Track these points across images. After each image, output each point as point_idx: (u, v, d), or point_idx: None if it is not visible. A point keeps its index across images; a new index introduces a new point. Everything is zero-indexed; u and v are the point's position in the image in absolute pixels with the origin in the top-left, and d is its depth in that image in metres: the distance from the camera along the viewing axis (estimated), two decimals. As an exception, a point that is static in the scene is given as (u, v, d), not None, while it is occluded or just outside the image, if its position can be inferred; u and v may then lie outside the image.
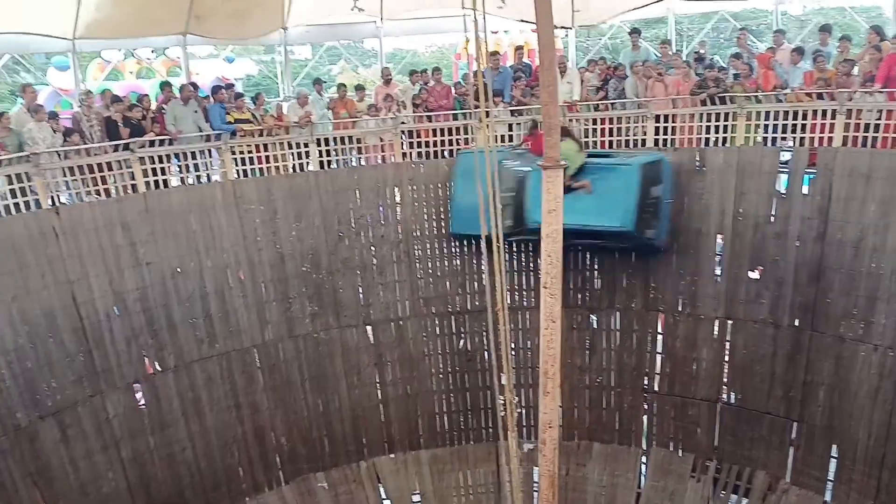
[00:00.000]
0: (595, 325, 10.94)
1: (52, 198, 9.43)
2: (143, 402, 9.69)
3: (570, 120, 10.67)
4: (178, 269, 9.92)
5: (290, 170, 10.69)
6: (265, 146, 10.51)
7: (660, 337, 10.67)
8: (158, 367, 9.76)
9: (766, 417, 10.03)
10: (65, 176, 9.39)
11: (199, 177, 10.44)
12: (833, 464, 9.60)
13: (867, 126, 9.23)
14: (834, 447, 9.54)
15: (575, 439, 10.94)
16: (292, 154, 10.73)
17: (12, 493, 8.23)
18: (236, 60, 19.70)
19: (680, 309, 10.48)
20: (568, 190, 9.08)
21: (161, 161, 9.98)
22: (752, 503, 10.07)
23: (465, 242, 10.94)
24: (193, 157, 10.25)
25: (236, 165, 10.41)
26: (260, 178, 10.49)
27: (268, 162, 10.51)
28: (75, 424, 8.98)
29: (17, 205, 8.86)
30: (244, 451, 10.29)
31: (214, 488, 10.03)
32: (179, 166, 10.37)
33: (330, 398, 10.83)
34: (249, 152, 10.43)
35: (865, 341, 9.07)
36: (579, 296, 10.87)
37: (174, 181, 10.40)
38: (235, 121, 10.42)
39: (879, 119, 9.15)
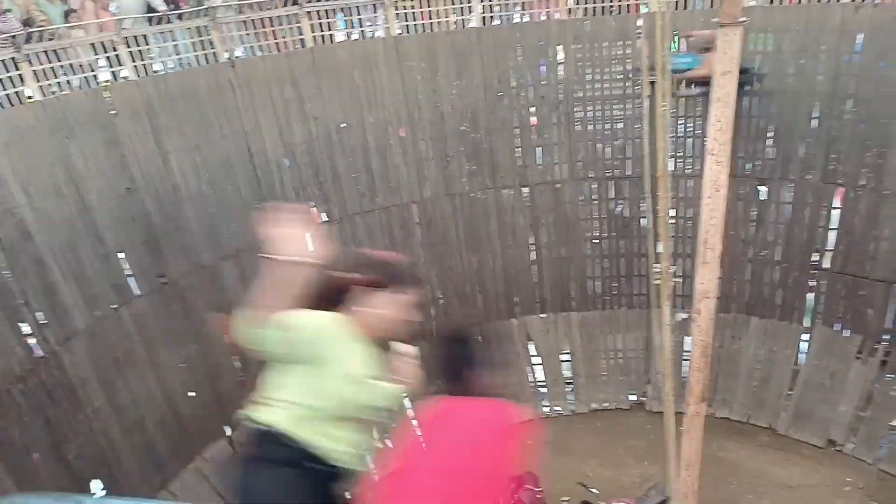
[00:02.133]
0: (764, 197, 12.22)
1: (229, 52, 12.01)
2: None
3: None
4: (343, 125, 12.30)
5: (452, 26, 12.63)
6: (428, 1, 12.48)
7: (836, 212, 11.97)
8: (325, 218, 12.37)
9: (949, 301, 11.20)
10: (239, 30, 11.88)
11: (363, 32, 12.66)
12: None
13: None
14: None
15: (732, 312, 12.65)
16: (455, 10, 12.64)
17: (199, 323, 10.69)
18: None
19: (863, 183, 11.60)
20: None
21: (327, 16, 12.26)
22: (923, 389, 11.48)
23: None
24: (358, 13, 12.43)
25: (399, 21, 12.49)
26: (422, 35, 12.36)
27: (430, 18, 12.51)
28: (250, 267, 11.78)
29: (197, 58, 11.30)
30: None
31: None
32: (345, 21, 12.63)
33: (484, 257, 12.87)
34: (413, 8, 12.46)
35: None
36: (749, 165, 12.10)
37: (340, 36, 12.69)
38: (400, -26, 12.41)
39: None
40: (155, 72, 10.81)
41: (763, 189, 12.09)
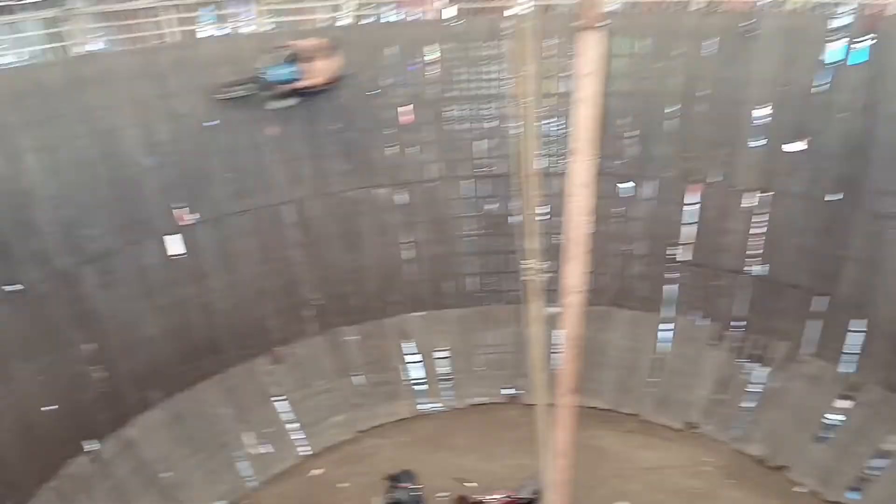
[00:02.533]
0: (627, 194, 12.73)
1: (85, 45, 11.29)
2: (180, 252, 11.87)
3: None
4: (212, 123, 11.83)
5: (323, 23, 12.45)
6: (298, -2, 12.26)
7: (692, 208, 12.59)
8: (194, 219, 11.84)
9: (793, 290, 11.83)
10: (96, 22, 11.26)
11: (231, 28, 12.31)
12: (852, 337, 11.67)
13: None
14: (860, 322, 11.49)
15: (599, 305, 13.12)
16: (326, 7, 12.48)
17: (57, 332, 10.12)
18: None
19: (716, 180, 12.35)
20: None
21: (193, 10, 11.83)
22: (772, 372, 12.28)
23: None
24: (225, 8, 12.07)
25: (269, 17, 12.19)
26: (293, 31, 11.99)
27: (300, 14, 12.31)
28: (115, 271, 10.95)
29: (49, 52, 10.67)
30: (277, 304, 12.44)
31: (248, 336, 12.23)
32: (213, 16, 12.21)
33: (359, 256, 12.76)
34: (282, 4, 12.21)
35: None
36: (612, 164, 12.60)
37: (206, 32, 12.25)
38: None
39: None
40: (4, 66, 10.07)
41: (626, 186, 12.62)
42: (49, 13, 10.36)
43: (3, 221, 9.59)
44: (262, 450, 11.79)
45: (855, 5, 10.88)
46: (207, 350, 11.84)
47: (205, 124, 11.40)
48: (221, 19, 11.74)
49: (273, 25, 11.88)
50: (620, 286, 13.04)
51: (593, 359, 12.78)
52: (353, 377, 12.80)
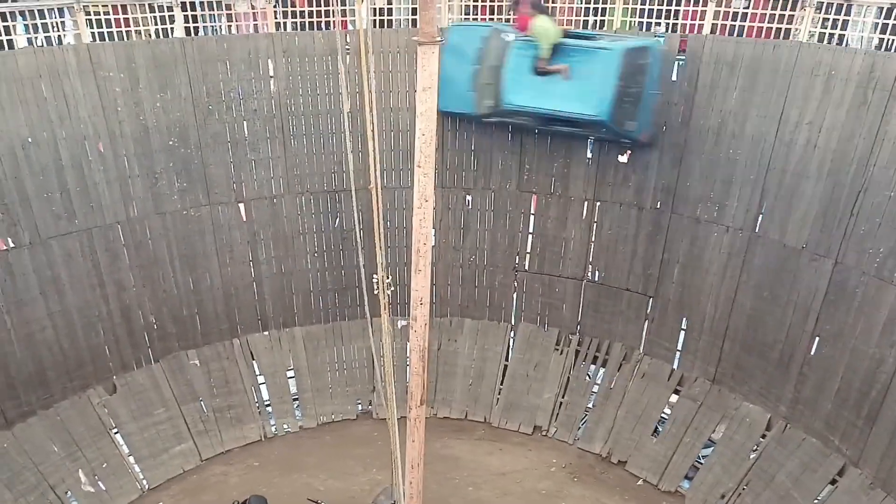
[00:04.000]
0: (469, 206, 13.06)
1: None
2: (-4, 279, 10.95)
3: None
4: (29, 140, 11.01)
5: (153, 35, 11.86)
6: (124, 7, 11.54)
7: (532, 217, 13.10)
8: (11, 244, 10.98)
9: (626, 294, 12.61)
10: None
11: (49, 38, 11.44)
12: (682, 335, 12.49)
13: (735, 14, 11.60)
14: (684, 320, 12.36)
15: (447, 316, 13.32)
16: (154, 18, 11.87)
17: None
18: None
19: (552, 190, 12.83)
20: (544, 73, 10.61)
21: (5, 20, 10.89)
22: (609, 372, 12.82)
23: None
24: (42, 17, 11.19)
25: (91, 28, 11.45)
26: (119, 43, 11.46)
27: (128, 25, 11.63)
28: None
29: None
30: (110, 330, 11.69)
31: (78, 367, 11.44)
32: (26, 26, 11.31)
33: (201, 276, 12.27)
34: (106, 14, 11.46)
35: (718, 223, 11.34)
36: (455, 176, 12.82)
37: (21, 42, 11.35)
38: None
39: (748, 7, 11.48)
40: None
41: (468, 198, 12.87)
42: None
43: None
44: (95, 487, 10.98)
45: (664, 28, 11.59)
46: (32, 384, 10.92)
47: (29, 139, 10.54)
48: (35, 29, 10.89)
49: (94, 37, 11.15)
50: (466, 296, 13.24)
51: (443, 369, 12.95)
52: (196, 403, 12.20)
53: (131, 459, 11.58)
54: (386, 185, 12.32)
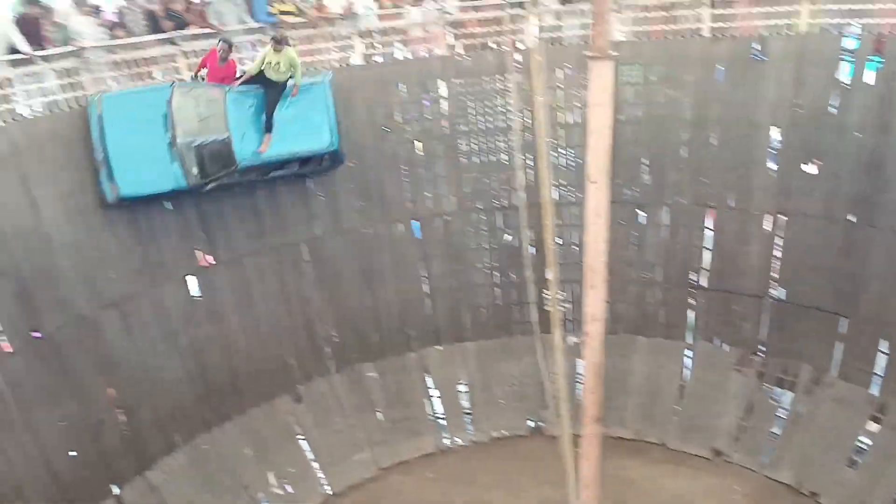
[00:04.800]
0: (643, 221, 12.70)
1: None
2: (197, 293, 11.90)
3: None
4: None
5: (335, 64, 12.53)
6: (309, 39, 12.36)
7: (709, 232, 12.54)
8: (211, 261, 11.91)
9: (815, 312, 11.74)
10: (111, 70, 11.35)
11: (244, 71, 12.34)
12: (880, 358, 11.47)
13: (937, 10, 10.62)
14: (883, 342, 11.39)
15: (619, 333, 12.99)
16: (337, 48, 12.57)
17: (79, 378, 10.16)
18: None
19: (731, 204, 12.22)
20: (270, 121, 10.23)
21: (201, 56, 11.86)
22: (798, 396, 12.01)
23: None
24: (240, 52, 12.11)
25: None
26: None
27: (311, 56, 12.38)
28: (135, 314, 11.05)
29: (67, 100, 10.51)
30: (295, 342, 12.38)
31: (267, 375, 12.19)
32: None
33: (378, 292, 12.72)
34: (293, 46, 12.26)
35: None
36: (627, 191, 12.59)
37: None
38: (279, 13, 12.27)
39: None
40: (21, 116, 10.16)
41: (641, 213, 12.53)
42: (66, 63, 10.40)
43: (25, 270, 9.59)
44: (284, 491, 11.59)
45: (860, 28, 10.81)
46: (228, 391, 11.73)
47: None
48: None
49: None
50: (640, 313, 12.85)
51: (616, 388, 12.55)
52: (373, 413, 12.62)
53: (315, 465, 12.12)
54: (557, 200, 12.24)
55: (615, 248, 12.28)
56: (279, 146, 10.32)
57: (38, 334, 9.78)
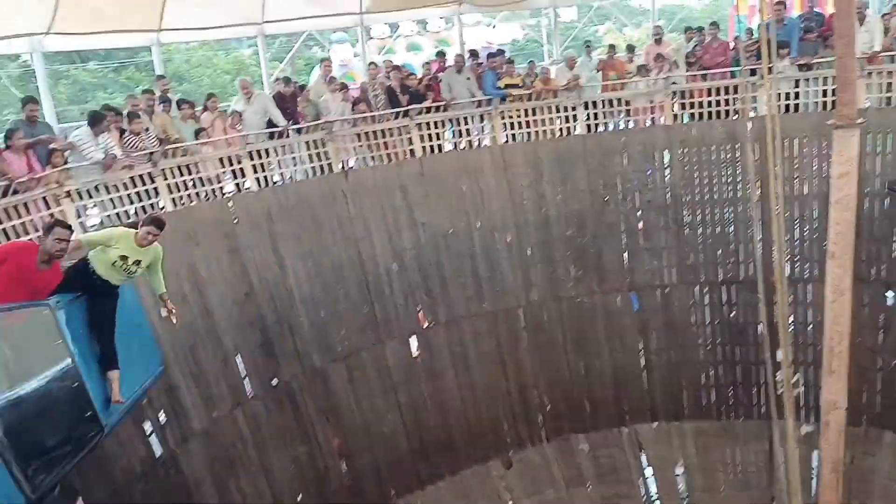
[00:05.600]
0: (890, 302, 11.57)
1: (342, 162, 12.43)
2: (417, 352, 12.38)
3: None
4: (450, 230, 12.43)
5: (558, 133, 12.73)
6: (533, 111, 12.65)
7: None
8: (431, 322, 12.37)
9: None
10: (353, 142, 12.31)
11: (470, 142, 12.95)
12: None
13: None
14: None
15: (862, 425, 11.65)
16: (560, 118, 12.75)
17: (308, 425, 10.92)
18: (498, 26, 22.61)
19: None
20: None
21: (437, 127, 12.61)
22: None
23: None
24: (466, 123, 12.75)
25: (505, 130, 12.68)
26: (527, 143, 12.47)
27: (535, 126, 12.70)
28: (360, 369, 11.55)
29: (314, 169, 11.54)
30: (508, 406, 12.42)
31: (480, 437, 12.27)
32: (454, 132, 12.96)
33: (592, 361, 12.51)
34: (518, 117, 12.67)
35: None
36: (872, 269, 11.48)
37: (448, 146, 13.01)
38: (506, 86, 12.76)
39: None
40: (274, 182, 11.29)
41: (890, 294, 11.35)
42: (316, 136, 11.42)
43: (270, 321, 10.50)
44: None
45: None
46: (442, 449, 11.98)
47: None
48: (460, 134, 12.39)
49: (506, 138, 12.34)
50: (888, 405, 11.50)
51: (858, 488, 11.32)
52: (584, 487, 12.26)
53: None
54: (793, 276, 11.44)
55: (859, 330, 11.40)
56: (127, 387, 6.07)
57: (275, 381, 10.61)
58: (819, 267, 11.01)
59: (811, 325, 11.49)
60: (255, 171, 10.97)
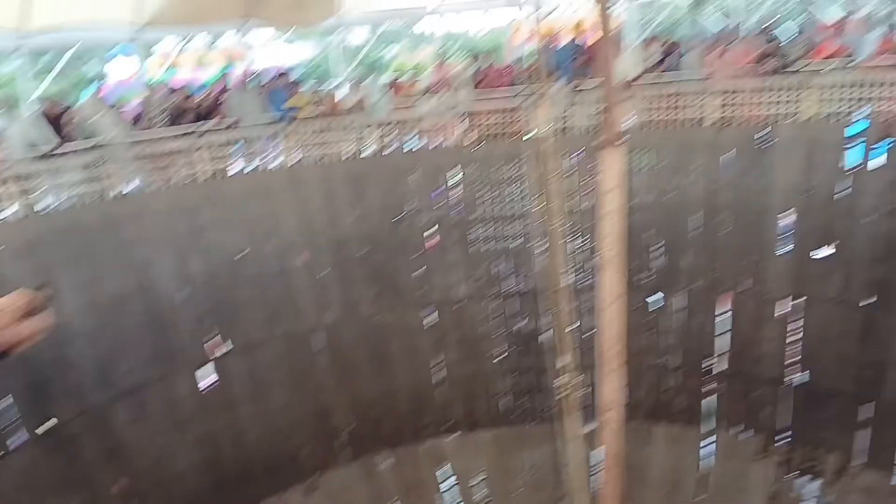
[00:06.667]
0: (659, 306, 12.61)
1: (120, 186, 11.67)
2: (210, 383, 11.84)
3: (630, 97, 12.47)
4: (241, 254, 12.03)
5: (349, 154, 12.73)
6: (323, 131, 12.62)
7: (726, 317, 12.40)
8: (224, 350, 11.88)
9: (837, 398, 11.45)
10: (132, 164, 11.62)
11: (259, 163, 12.61)
12: (906, 445, 11.10)
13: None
14: (909, 428, 11.05)
15: (637, 421, 12.73)
16: (350, 139, 12.81)
17: (90, 470, 10.13)
18: (291, 45, 22.25)
19: (747, 288, 12.12)
20: None
21: (223, 147, 12.18)
22: (824, 486, 11.68)
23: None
24: (254, 143, 12.41)
25: (295, 151, 12.50)
26: (318, 164, 12.33)
27: (326, 147, 12.62)
28: (147, 404, 11.03)
29: (87, 193, 10.89)
30: (309, 431, 12.31)
31: (280, 466, 12.03)
32: (242, 153, 12.56)
33: (391, 380, 12.57)
34: (308, 138, 12.53)
35: None
36: (640, 276, 12.56)
37: (236, 167, 12.58)
38: (294, 106, 12.59)
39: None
40: (43, 208, 10.37)
41: (656, 299, 12.43)
42: (89, 157, 10.66)
43: (42, 360, 9.61)
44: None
45: (868, 112, 10.89)
46: (240, 482, 11.52)
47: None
48: (250, 156, 12.06)
49: (300, 158, 12.16)
50: (657, 401, 12.60)
51: (634, 478, 12.21)
52: (389, 505, 12.33)
53: (327, 561, 11.76)
54: (574, 286, 12.16)
55: (631, 334, 12.32)
56: None
57: (49, 424, 9.73)
58: (595, 276, 11.76)
59: (592, 331, 12.23)
60: (20, 196, 9.97)
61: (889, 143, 10.68)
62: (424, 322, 12.75)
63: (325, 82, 15.40)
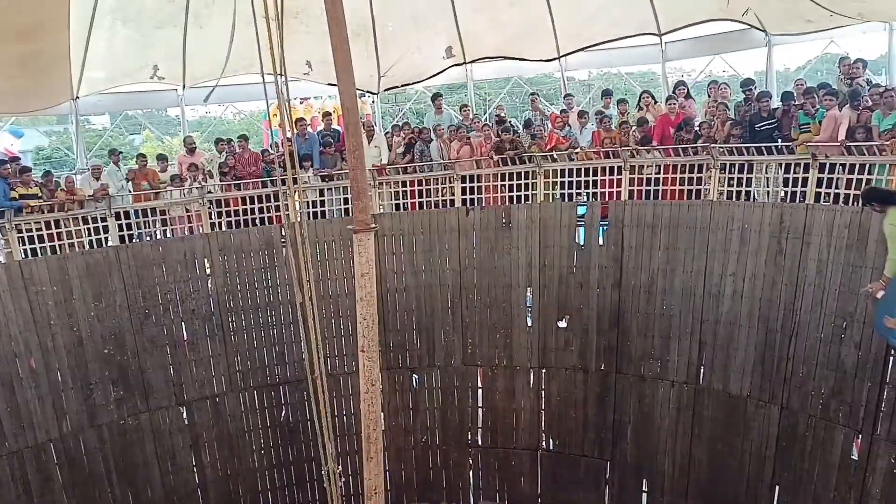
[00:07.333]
0: (417, 385, 12.94)
1: None
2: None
3: (380, 183, 12.95)
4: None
5: (87, 246, 11.81)
6: (57, 222, 11.60)
7: (480, 391, 12.95)
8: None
9: (583, 460, 12.28)
10: None
11: (-20, 259, 11.27)
12: (644, 498, 12.14)
13: (648, 180, 12.25)
14: (644, 482, 12.11)
15: (404, 501, 12.77)
16: (88, 230, 11.88)
17: None
18: (24, 133, 20.31)
19: (497, 362, 12.76)
20: None
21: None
22: (577, 544, 12.38)
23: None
24: (-27, 238, 11.09)
25: (23, 245, 11.37)
26: (51, 257, 11.39)
27: (60, 239, 11.59)
28: None
29: None
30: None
31: None
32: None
33: (141, 488, 11.50)
34: (38, 230, 11.44)
35: (663, 378, 11.41)
36: (399, 356, 12.84)
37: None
38: (21, 196, 11.49)
39: (659, 173, 12.15)
40: None
41: (416, 377, 12.71)
42: None
43: None
44: None
45: (588, 196, 12.13)
46: None
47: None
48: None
49: (26, 253, 11.09)
50: (423, 478, 12.75)
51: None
52: None
53: None
54: (332, 372, 12.10)
55: (393, 415, 12.49)
56: None
57: None
58: (356, 360, 11.79)
59: (354, 416, 12.20)
60: None
61: (605, 224, 12.01)
62: (179, 421, 11.90)
63: (67, 170, 14.31)
